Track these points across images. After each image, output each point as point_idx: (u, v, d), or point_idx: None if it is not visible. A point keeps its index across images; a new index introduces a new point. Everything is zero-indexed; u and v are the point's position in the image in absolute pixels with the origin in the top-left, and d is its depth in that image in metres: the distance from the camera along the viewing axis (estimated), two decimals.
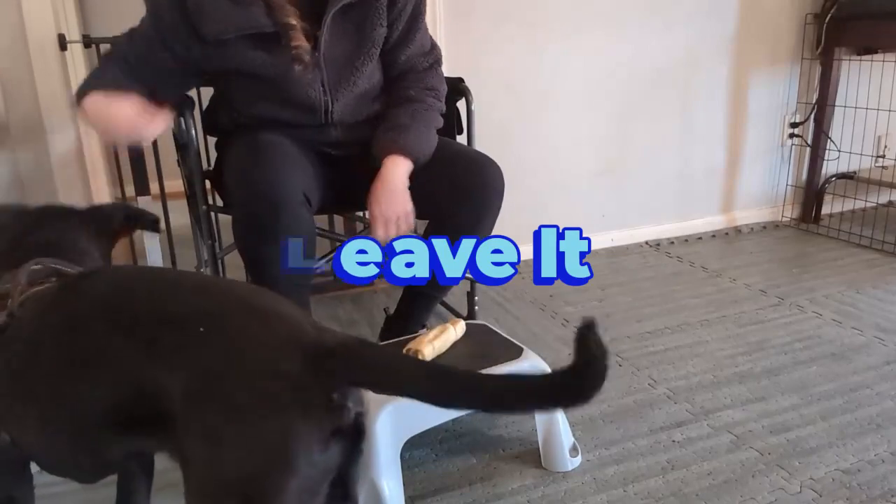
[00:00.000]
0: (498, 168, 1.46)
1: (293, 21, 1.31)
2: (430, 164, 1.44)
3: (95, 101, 1.29)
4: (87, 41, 1.89)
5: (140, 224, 1.16)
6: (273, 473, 0.64)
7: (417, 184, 1.41)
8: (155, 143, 1.95)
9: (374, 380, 0.70)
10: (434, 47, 1.51)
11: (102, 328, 0.73)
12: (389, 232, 1.37)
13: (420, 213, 1.60)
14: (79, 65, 3.41)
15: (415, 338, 1.30)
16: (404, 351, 1.25)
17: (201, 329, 0.69)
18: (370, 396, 1.15)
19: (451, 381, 0.67)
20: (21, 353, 0.78)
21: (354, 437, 0.72)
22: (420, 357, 1.24)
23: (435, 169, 1.43)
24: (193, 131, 1.51)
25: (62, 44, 1.82)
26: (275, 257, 1.31)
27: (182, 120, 1.51)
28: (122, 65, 1.33)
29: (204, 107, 1.89)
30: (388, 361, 0.70)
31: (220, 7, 1.28)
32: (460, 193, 1.42)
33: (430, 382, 0.68)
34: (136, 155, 1.93)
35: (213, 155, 2.05)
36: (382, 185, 1.37)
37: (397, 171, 1.38)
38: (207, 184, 1.60)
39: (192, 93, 1.73)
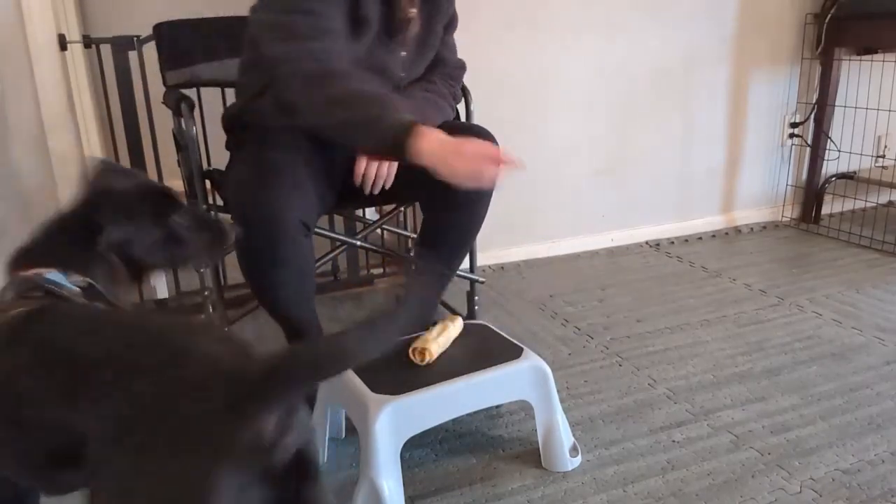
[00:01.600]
0: (493, 139, 1.48)
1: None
2: None
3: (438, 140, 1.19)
4: (87, 41, 1.89)
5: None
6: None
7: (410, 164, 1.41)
8: (155, 143, 1.95)
9: (305, 381, 0.69)
10: (460, 60, 1.61)
11: (34, 376, 0.74)
12: (363, 174, 1.37)
13: (415, 194, 1.61)
14: (79, 65, 3.40)
15: (417, 337, 1.30)
16: (410, 350, 1.27)
17: (121, 375, 0.68)
18: (371, 396, 1.16)
19: (362, 336, 0.67)
20: None
21: (298, 471, 0.69)
22: (428, 355, 1.25)
23: None
24: (193, 131, 1.51)
25: (62, 44, 1.82)
26: (275, 282, 1.34)
27: (182, 120, 1.51)
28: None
29: (203, 107, 1.90)
30: (310, 358, 0.66)
31: None
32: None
33: (348, 350, 0.67)
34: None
35: (213, 155, 2.05)
36: None
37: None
38: (207, 184, 1.60)
39: (192, 93, 1.73)
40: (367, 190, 1.39)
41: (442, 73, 1.55)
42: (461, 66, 1.61)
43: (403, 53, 1.43)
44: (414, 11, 1.40)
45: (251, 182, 1.30)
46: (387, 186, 1.40)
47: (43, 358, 0.75)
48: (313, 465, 0.71)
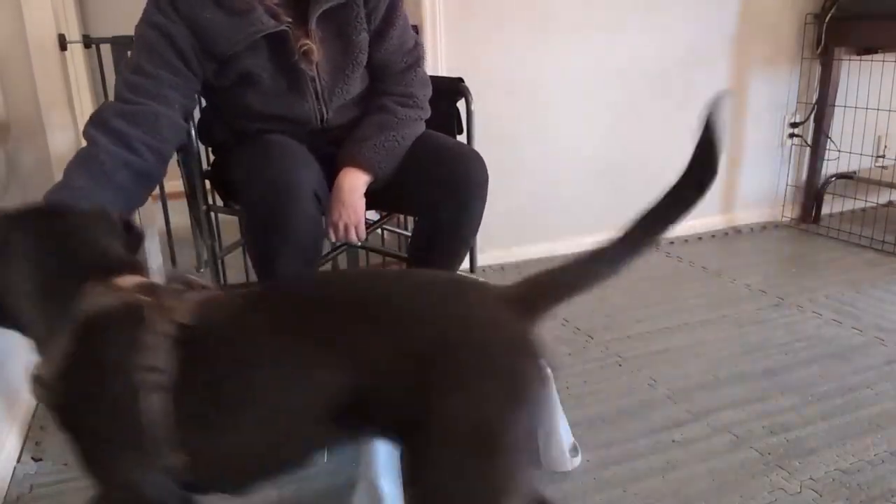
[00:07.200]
0: (481, 160, 1.45)
1: (291, 21, 1.32)
2: (413, 158, 1.44)
3: None
4: (87, 41, 1.89)
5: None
6: (512, 411, 0.70)
7: (402, 178, 1.42)
8: None
9: (568, 291, 0.78)
10: (415, 48, 1.48)
11: (320, 319, 0.75)
12: (339, 238, 1.42)
13: (406, 208, 1.61)
14: (79, 65, 3.40)
15: None
16: None
17: (446, 300, 0.76)
18: None
19: (616, 250, 0.80)
20: (227, 358, 0.76)
21: None
22: None
23: (418, 162, 1.43)
24: (193, 132, 1.51)
25: (62, 44, 1.82)
26: (284, 252, 1.31)
27: None
28: (109, 143, 1.22)
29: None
30: (567, 279, 0.78)
31: (222, 25, 1.28)
32: (443, 186, 1.42)
33: (604, 258, 0.79)
34: None
35: (213, 155, 2.04)
36: (336, 195, 1.38)
37: (351, 183, 1.38)
38: (207, 184, 1.60)
39: None
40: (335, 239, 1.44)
41: (392, 86, 1.46)
42: (414, 61, 1.47)
43: (309, 89, 1.37)
44: (307, 42, 1.33)
45: (260, 156, 1.30)
46: (360, 237, 1.43)
47: (323, 303, 0.77)
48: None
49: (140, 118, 1.23)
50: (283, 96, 1.36)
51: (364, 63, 1.42)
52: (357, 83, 1.43)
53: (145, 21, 1.31)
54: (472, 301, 0.75)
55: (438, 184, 1.41)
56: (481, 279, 0.83)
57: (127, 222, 1.00)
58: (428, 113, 1.50)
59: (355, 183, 1.38)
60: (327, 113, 1.41)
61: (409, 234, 2.22)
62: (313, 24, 1.33)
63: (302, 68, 1.34)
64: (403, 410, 0.70)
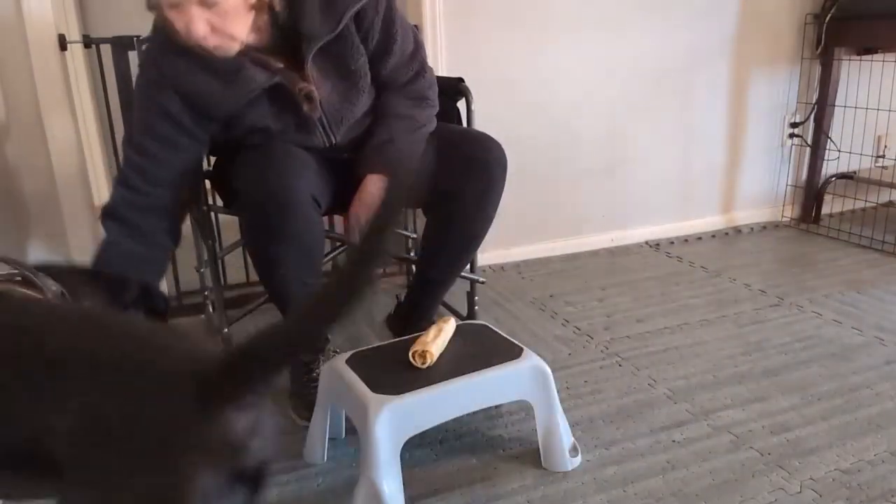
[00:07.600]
0: (499, 144, 1.49)
1: (285, 67, 1.33)
2: (431, 149, 1.47)
3: None
4: (87, 41, 1.89)
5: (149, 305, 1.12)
6: None
7: (421, 171, 1.44)
8: None
9: (260, 378, 0.64)
10: (417, 50, 1.47)
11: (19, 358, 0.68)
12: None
13: (424, 199, 1.61)
14: (79, 65, 3.41)
15: (416, 339, 1.30)
16: (411, 353, 1.27)
17: (90, 369, 0.65)
18: (371, 396, 1.16)
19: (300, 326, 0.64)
20: None
21: (254, 485, 0.65)
22: (429, 357, 1.26)
23: (439, 151, 1.45)
24: None
25: (62, 44, 1.82)
26: (284, 258, 1.33)
27: None
28: (134, 212, 1.30)
29: None
30: (267, 347, 0.63)
31: (213, 91, 1.28)
32: (465, 171, 1.44)
33: (289, 337, 0.63)
34: None
35: (213, 156, 2.05)
36: (362, 200, 1.41)
37: (377, 188, 1.41)
38: (207, 184, 1.60)
39: None
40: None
41: (403, 95, 1.47)
42: (419, 68, 1.48)
43: (315, 125, 1.39)
44: (306, 85, 1.33)
45: (259, 162, 1.31)
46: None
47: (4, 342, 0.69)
48: (264, 484, 0.68)
49: (147, 208, 1.31)
50: (291, 134, 1.38)
51: (368, 84, 1.42)
52: (362, 104, 1.44)
53: (137, 94, 1.34)
54: (155, 379, 0.64)
55: (462, 168, 1.43)
56: (199, 345, 0.69)
57: (146, 287, 1.10)
58: (438, 108, 1.53)
59: (381, 189, 1.40)
60: (336, 139, 1.43)
61: (410, 234, 2.22)
62: (309, 64, 1.32)
63: (305, 111, 1.35)
64: (62, 479, 0.63)
